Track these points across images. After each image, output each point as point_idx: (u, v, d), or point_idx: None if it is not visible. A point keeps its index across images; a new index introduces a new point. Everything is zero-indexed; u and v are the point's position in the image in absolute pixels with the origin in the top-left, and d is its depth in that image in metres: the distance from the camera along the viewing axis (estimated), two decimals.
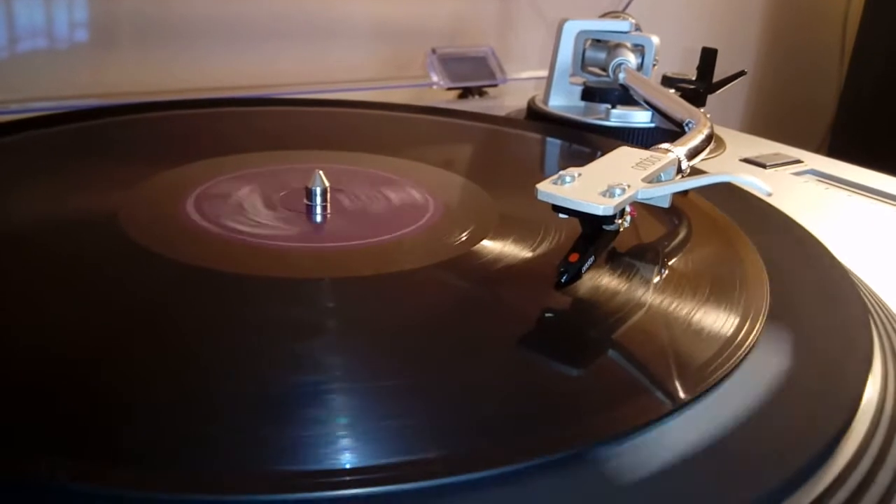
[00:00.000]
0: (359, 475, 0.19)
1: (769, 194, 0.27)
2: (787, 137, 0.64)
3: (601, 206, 0.27)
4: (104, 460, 0.19)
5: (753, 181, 0.27)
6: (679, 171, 0.34)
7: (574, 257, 0.29)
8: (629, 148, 0.34)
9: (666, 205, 0.34)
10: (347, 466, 0.19)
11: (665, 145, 0.35)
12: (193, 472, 0.19)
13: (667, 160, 0.33)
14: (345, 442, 0.20)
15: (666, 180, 0.33)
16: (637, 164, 0.32)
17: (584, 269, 0.29)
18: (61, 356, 0.24)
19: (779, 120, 1.18)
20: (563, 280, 0.28)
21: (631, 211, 0.31)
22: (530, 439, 0.21)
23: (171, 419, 0.21)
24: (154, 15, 0.66)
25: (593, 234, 0.29)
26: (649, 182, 0.31)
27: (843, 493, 0.21)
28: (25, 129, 0.47)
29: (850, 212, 0.47)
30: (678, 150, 0.34)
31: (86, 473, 0.18)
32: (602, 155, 0.33)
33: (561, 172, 0.29)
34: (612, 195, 0.28)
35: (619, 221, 0.30)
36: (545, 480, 0.19)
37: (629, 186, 0.29)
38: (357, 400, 0.22)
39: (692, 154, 0.36)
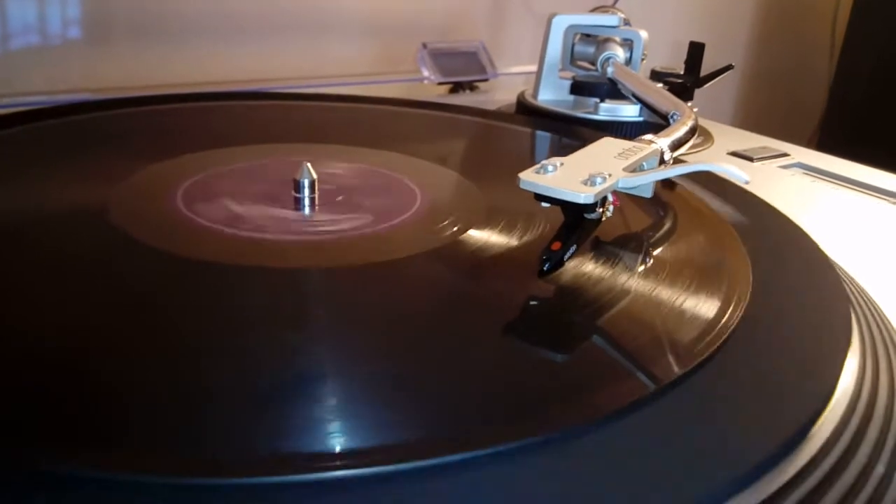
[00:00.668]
0: (349, 459, 0.19)
1: (746, 182, 0.28)
2: (778, 133, 0.64)
3: (582, 195, 0.28)
4: (103, 448, 0.19)
5: (731, 170, 0.28)
6: (662, 161, 0.35)
7: (556, 246, 0.29)
8: (612, 139, 0.34)
9: (649, 194, 0.34)
10: (337, 450, 0.20)
11: (648, 136, 0.35)
12: (189, 458, 0.19)
13: (649, 150, 0.33)
14: (335, 427, 0.21)
15: (647, 169, 0.33)
16: (619, 154, 0.32)
17: (567, 257, 0.29)
18: (52, 350, 0.24)
19: (769, 116, 1.19)
20: (545, 268, 0.29)
21: (613, 200, 0.31)
22: (517, 423, 0.21)
23: (165, 408, 0.21)
24: (146, 10, 0.66)
25: (575, 222, 0.30)
26: (631, 171, 0.31)
27: (817, 474, 0.21)
28: (15, 124, 0.47)
29: (835, 204, 0.48)
30: (661, 141, 0.35)
31: (85, 460, 0.19)
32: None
33: (543, 161, 0.30)
34: (592, 184, 0.28)
35: (601, 210, 0.30)
36: (531, 462, 0.20)
37: (610, 175, 0.29)
38: (347, 387, 0.23)
39: (675, 145, 0.36)
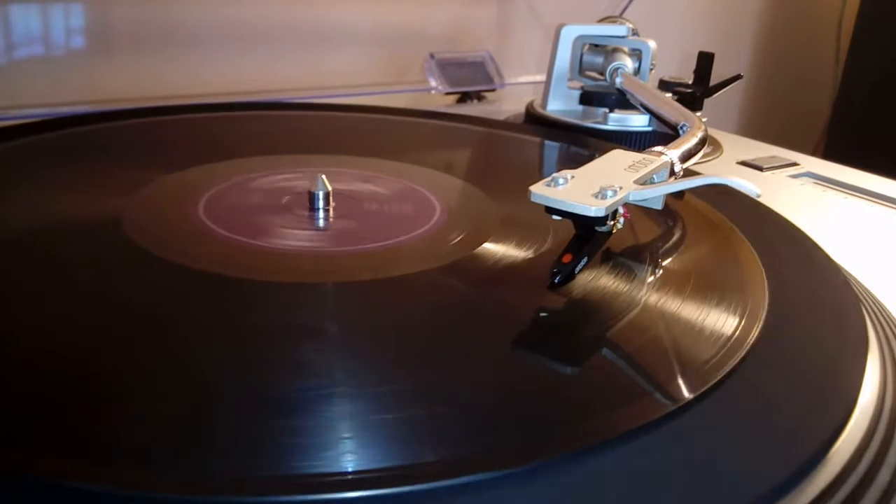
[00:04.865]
0: (360, 476, 0.19)
1: (758, 195, 0.28)
2: (784, 140, 0.64)
3: (593, 208, 0.28)
4: (111, 461, 0.20)
5: (743, 183, 0.28)
6: (672, 173, 0.35)
7: (567, 258, 0.29)
8: (622, 151, 0.34)
9: (659, 206, 0.34)
10: (350, 469, 0.19)
11: (658, 148, 0.35)
12: (196, 475, 0.19)
13: (659, 162, 0.33)
14: (347, 445, 0.20)
15: (658, 182, 0.33)
16: (630, 167, 0.32)
17: (578, 270, 0.29)
18: (65, 360, 0.24)
19: (775, 123, 1.19)
20: (556, 281, 0.29)
21: (624, 213, 0.31)
22: (531, 441, 0.21)
23: (176, 421, 0.21)
24: (151, 21, 0.66)
25: (586, 235, 0.30)
26: (641, 184, 0.31)
27: (844, 490, 0.21)
28: (24, 135, 0.48)
29: (847, 214, 0.48)
30: (671, 153, 0.35)
31: (90, 473, 0.19)
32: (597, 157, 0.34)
33: (554, 174, 0.30)
34: (604, 197, 0.29)
35: (612, 223, 0.31)
36: (546, 482, 0.20)
37: (621, 188, 0.29)
38: (357, 404, 0.23)
39: (685, 157, 0.36)
